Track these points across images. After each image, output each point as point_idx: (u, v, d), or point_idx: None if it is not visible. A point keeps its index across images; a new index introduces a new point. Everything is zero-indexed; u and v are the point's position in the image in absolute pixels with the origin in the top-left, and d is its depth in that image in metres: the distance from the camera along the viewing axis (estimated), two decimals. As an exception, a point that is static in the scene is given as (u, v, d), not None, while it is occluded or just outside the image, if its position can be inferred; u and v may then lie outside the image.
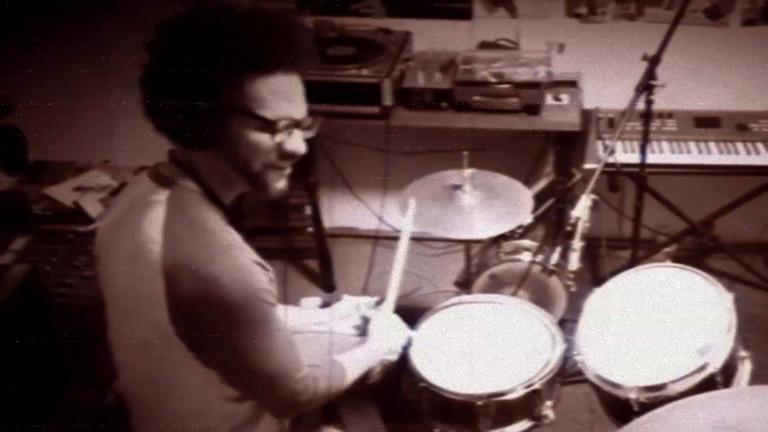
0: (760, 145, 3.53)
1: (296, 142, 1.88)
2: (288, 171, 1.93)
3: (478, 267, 3.39)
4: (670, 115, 3.67)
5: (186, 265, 1.76)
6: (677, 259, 2.68)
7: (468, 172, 2.94)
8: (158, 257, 1.79)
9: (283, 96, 1.82)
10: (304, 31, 1.91)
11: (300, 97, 1.88)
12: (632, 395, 2.26)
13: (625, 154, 3.44)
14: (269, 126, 1.81)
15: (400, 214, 2.82)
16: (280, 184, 1.93)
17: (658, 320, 2.46)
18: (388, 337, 2.45)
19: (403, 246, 2.61)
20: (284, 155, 1.87)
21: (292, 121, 1.85)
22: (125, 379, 2.04)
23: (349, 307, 2.57)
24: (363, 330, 2.49)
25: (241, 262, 1.79)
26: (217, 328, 1.80)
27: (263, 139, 1.82)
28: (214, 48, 1.73)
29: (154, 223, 1.83)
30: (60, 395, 2.70)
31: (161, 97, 1.78)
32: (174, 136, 1.84)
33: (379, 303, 2.57)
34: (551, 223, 3.70)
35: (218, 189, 1.90)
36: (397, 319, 2.51)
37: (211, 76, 1.73)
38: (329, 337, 2.46)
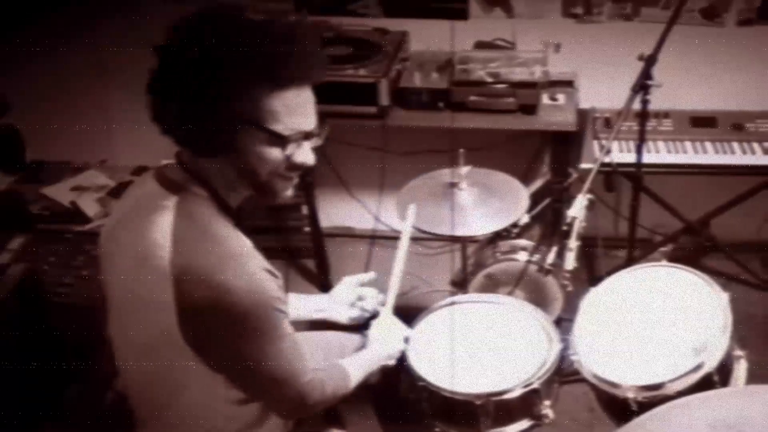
0: (755, 145, 3.54)
1: (306, 154, 1.86)
2: (296, 180, 1.92)
3: (474, 266, 3.39)
4: (666, 114, 3.68)
5: (196, 273, 1.75)
6: (673, 258, 2.68)
7: (464, 170, 2.95)
8: (167, 263, 1.78)
9: (296, 110, 1.80)
10: (317, 42, 1.87)
11: (312, 110, 1.86)
12: (630, 394, 2.26)
13: (621, 154, 3.44)
14: (281, 140, 1.79)
15: (397, 214, 2.83)
16: (287, 192, 1.92)
17: (655, 320, 2.46)
18: (388, 342, 2.45)
19: (402, 251, 2.61)
20: (293, 166, 1.86)
21: (303, 133, 1.83)
22: (128, 380, 2.04)
23: (348, 289, 2.54)
24: (361, 321, 2.50)
25: (252, 270, 1.79)
26: (226, 334, 1.80)
27: (273, 152, 1.81)
28: (228, 59, 1.70)
29: (162, 228, 1.81)
30: (60, 394, 2.71)
31: (170, 103, 1.76)
32: (181, 141, 1.83)
33: (377, 282, 2.56)
34: (547, 223, 3.71)
35: (226, 194, 1.89)
36: (397, 323, 2.51)
37: (223, 87, 1.71)
38: (329, 335, 2.47)
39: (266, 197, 1.90)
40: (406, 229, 2.68)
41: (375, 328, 2.46)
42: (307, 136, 1.85)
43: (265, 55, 1.73)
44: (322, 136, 1.93)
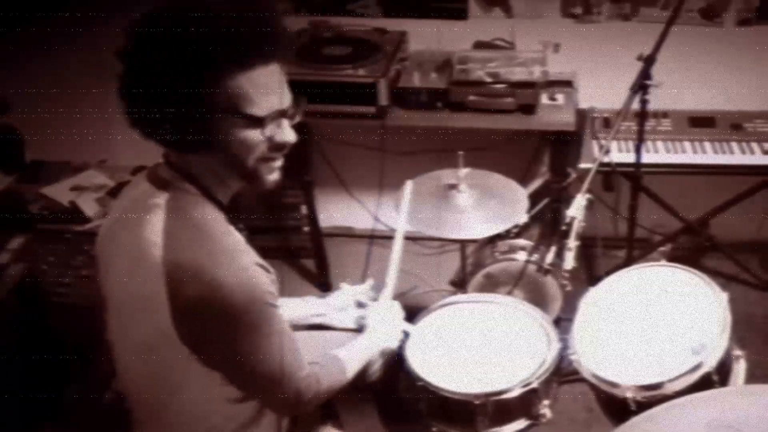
0: (754, 145, 3.54)
1: (286, 133, 1.86)
2: (280, 163, 1.91)
3: (473, 266, 3.40)
4: (665, 114, 3.68)
5: (189, 269, 1.76)
6: (672, 258, 2.69)
7: (463, 171, 2.95)
8: (160, 261, 1.78)
9: (267, 88, 1.79)
10: (275, 17, 1.84)
11: (282, 86, 1.84)
12: (629, 394, 2.27)
13: (620, 154, 3.44)
14: (258, 122, 1.79)
15: (395, 212, 2.83)
16: (274, 176, 1.91)
17: (654, 319, 2.46)
18: (386, 326, 2.43)
19: (400, 230, 2.60)
20: (276, 147, 1.85)
21: (279, 112, 1.83)
22: (126, 381, 2.03)
23: (347, 297, 2.55)
24: (361, 321, 2.48)
25: (244, 265, 1.79)
26: (220, 331, 1.79)
27: (254, 135, 1.80)
28: (188, 50, 1.68)
29: (155, 226, 1.82)
30: (60, 394, 2.71)
31: (143, 107, 1.75)
32: (162, 142, 1.82)
33: (376, 288, 2.56)
34: (547, 223, 3.71)
35: (215, 189, 1.89)
36: (395, 308, 2.49)
37: (190, 80, 1.69)
38: (328, 334, 2.47)
39: (256, 186, 1.89)
40: (403, 207, 2.67)
41: (373, 314, 2.45)
42: (283, 114, 1.85)
43: (223, 38, 1.71)
44: (299, 112, 1.92)
